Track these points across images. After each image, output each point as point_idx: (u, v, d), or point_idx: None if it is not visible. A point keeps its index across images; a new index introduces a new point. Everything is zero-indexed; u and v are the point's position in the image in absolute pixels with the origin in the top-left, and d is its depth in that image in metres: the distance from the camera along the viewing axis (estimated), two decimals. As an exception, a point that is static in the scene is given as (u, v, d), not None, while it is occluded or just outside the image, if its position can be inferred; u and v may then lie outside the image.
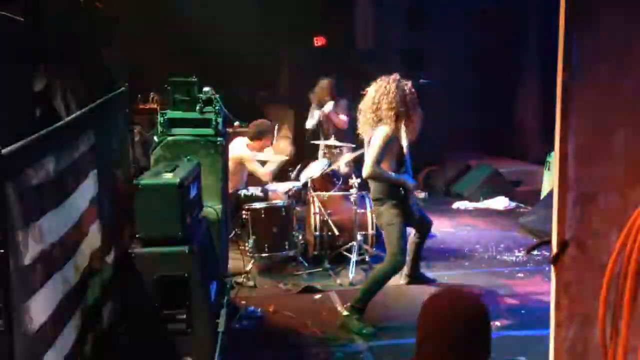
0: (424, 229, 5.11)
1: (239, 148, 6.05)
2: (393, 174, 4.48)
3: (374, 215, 4.91)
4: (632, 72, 2.11)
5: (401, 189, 4.49)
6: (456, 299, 1.86)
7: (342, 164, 6.22)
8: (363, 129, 4.62)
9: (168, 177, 3.19)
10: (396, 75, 4.57)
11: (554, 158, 2.29)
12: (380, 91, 4.48)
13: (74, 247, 2.65)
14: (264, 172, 6.04)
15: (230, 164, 5.86)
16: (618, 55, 2.13)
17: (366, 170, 4.40)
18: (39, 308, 2.20)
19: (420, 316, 1.84)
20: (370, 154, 4.40)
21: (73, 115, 2.92)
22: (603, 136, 2.17)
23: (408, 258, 5.19)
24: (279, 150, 6.42)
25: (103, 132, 3.15)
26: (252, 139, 6.11)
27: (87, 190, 2.85)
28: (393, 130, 4.41)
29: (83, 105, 3.25)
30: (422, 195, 8.43)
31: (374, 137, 4.44)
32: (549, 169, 7.62)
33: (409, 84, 4.58)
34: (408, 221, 4.62)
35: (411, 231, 5.10)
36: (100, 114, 3.22)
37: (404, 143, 4.52)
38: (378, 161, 4.37)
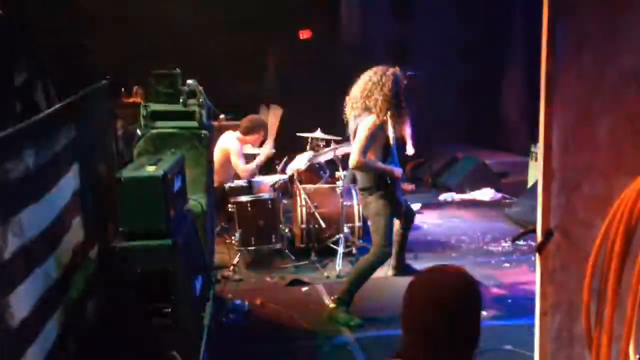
0: (407, 220, 5.12)
1: (228, 140, 6.02)
2: (380, 163, 4.46)
3: (361, 205, 4.89)
4: (615, 62, 2.12)
5: (389, 178, 4.48)
6: (442, 276, 1.76)
7: (324, 157, 6.20)
8: (349, 114, 4.59)
9: (151, 170, 3.15)
10: (396, 69, 4.53)
11: (539, 148, 2.29)
12: (374, 80, 4.42)
13: (56, 241, 2.61)
14: (243, 169, 5.97)
15: (218, 156, 5.83)
16: (601, 46, 2.13)
17: (353, 160, 4.37)
18: (20, 303, 2.16)
19: (406, 296, 1.74)
20: (356, 143, 4.37)
21: (53, 108, 2.87)
22: (587, 125, 2.18)
23: (393, 249, 5.20)
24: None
25: (85, 126, 3.11)
26: (244, 133, 6.07)
27: (68, 184, 2.81)
28: (380, 120, 4.39)
29: (64, 99, 3.20)
30: (410, 187, 8.44)
31: (361, 126, 4.41)
32: (535, 160, 7.66)
33: (405, 81, 4.55)
34: (395, 212, 4.61)
35: (395, 222, 5.12)
36: (81, 107, 3.17)
37: (391, 134, 4.50)
38: (365, 150, 4.34)
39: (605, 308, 1.71)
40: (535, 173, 7.64)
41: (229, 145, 5.96)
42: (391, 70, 4.48)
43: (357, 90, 4.50)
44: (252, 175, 6.06)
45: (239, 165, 5.95)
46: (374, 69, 4.51)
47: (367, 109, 4.41)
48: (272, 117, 6.42)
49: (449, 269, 1.79)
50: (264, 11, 8.78)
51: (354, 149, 4.39)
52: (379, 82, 4.40)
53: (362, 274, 4.48)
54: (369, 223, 4.67)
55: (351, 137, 4.61)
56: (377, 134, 4.39)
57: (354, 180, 5.65)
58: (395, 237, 5.14)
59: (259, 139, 6.19)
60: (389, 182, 4.48)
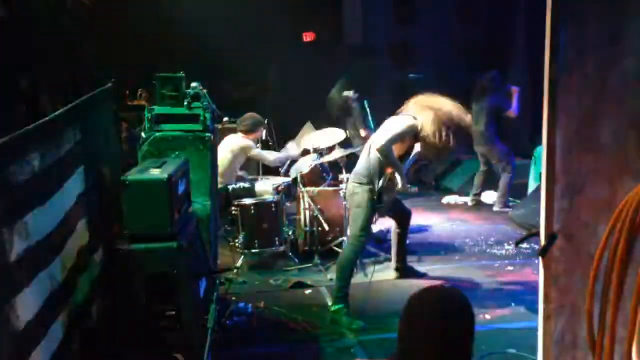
0: (403, 220, 5.18)
1: (238, 141, 6.08)
2: (398, 162, 4.57)
3: (346, 192, 4.92)
4: (618, 65, 2.12)
5: (381, 181, 4.51)
6: (442, 295, 1.86)
7: (332, 157, 6.23)
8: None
9: (156, 172, 3.16)
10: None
11: (542, 151, 2.30)
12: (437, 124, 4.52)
13: (61, 244, 2.62)
14: (273, 159, 6.18)
15: (225, 157, 5.85)
16: (604, 50, 2.13)
17: (379, 144, 4.44)
18: (25, 306, 2.18)
19: (403, 313, 1.83)
20: (389, 132, 4.49)
21: (58, 111, 2.88)
22: (590, 128, 2.18)
23: (393, 251, 5.24)
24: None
25: (89, 129, 3.12)
26: (245, 132, 6.13)
27: (73, 186, 2.82)
28: (418, 129, 4.53)
29: (69, 102, 3.21)
30: (412, 190, 8.41)
31: (399, 119, 4.59)
32: (535, 163, 7.65)
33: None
34: (374, 210, 4.68)
35: (392, 222, 5.24)
36: (86, 110, 3.19)
37: (416, 148, 4.67)
38: (393, 140, 4.47)
39: (608, 311, 1.72)
40: (534, 176, 7.64)
41: (242, 144, 6.02)
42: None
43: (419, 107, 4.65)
44: (283, 163, 6.22)
45: (266, 156, 6.18)
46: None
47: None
48: (306, 131, 6.66)
49: (445, 287, 1.98)
50: (267, 13, 8.80)
51: (384, 135, 4.49)
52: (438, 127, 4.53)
53: (345, 267, 4.54)
54: (350, 212, 4.73)
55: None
56: (408, 135, 4.55)
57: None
58: (393, 238, 5.21)
59: (258, 136, 6.26)
60: (382, 185, 4.51)
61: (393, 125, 4.55)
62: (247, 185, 6.02)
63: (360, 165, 4.63)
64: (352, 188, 4.64)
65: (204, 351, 3.28)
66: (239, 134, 6.15)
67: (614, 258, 1.69)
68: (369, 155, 4.57)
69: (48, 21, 3.80)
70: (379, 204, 4.57)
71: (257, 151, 6.13)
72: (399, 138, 4.51)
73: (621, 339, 1.68)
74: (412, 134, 4.57)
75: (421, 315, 1.80)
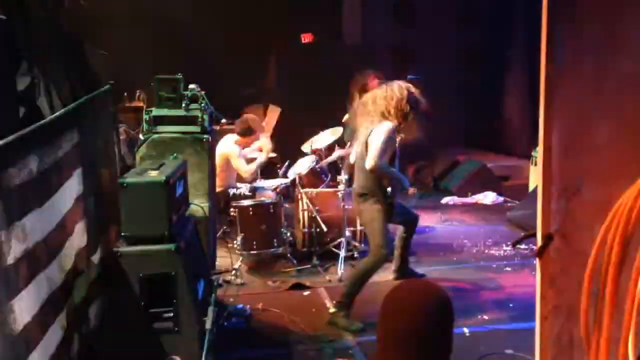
0: (410, 224, 5.13)
1: (227, 144, 6.04)
2: (394, 170, 4.52)
3: (355, 210, 4.90)
4: (615, 67, 2.12)
5: (388, 188, 4.48)
6: (417, 292, 1.77)
7: (332, 159, 6.23)
8: (360, 122, 4.61)
9: (153, 175, 3.17)
10: (408, 84, 4.61)
11: (539, 152, 2.30)
12: (390, 94, 4.47)
13: (59, 246, 2.63)
14: (245, 170, 6.03)
15: (219, 161, 5.85)
16: (600, 51, 2.14)
17: (370, 163, 4.35)
18: (23, 308, 2.18)
19: (380, 310, 1.75)
20: (374, 147, 4.37)
21: (56, 114, 2.89)
22: (587, 130, 2.18)
23: (396, 253, 5.22)
24: (260, 145, 6.42)
25: (87, 131, 3.13)
26: (240, 135, 6.11)
27: (71, 189, 2.83)
28: (396, 126, 4.45)
29: (67, 104, 3.22)
30: (411, 190, 8.42)
31: (378, 130, 4.41)
32: (534, 164, 7.66)
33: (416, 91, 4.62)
34: (389, 218, 4.62)
35: (398, 227, 5.14)
36: (84, 112, 3.20)
37: (397, 141, 4.56)
38: (382, 154, 4.36)
39: (604, 312, 1.72)
40: (535, 178, 7.64)
41: (228, 149, 5.97)
42: (406, 84, 4.58)
43: (372, 98, 4.55)
44: (255, 175, 6.11)
45: (241, 167, 5.99)
46: (389, 83, 4.59)
47: (384, 117, 4.46)
48: (270, 116, 6.48)
49: (419, 283, 1.91)
50: (265, 14, 8.80)
51: (371, 152, 4.37)
52: (394, 94, 4.47)
53: (361, 277, 4.49)
54: (365, 230, 4.69)
55: (358, 143, 4.61)
56: (392, 139, 4.44)
57: (349, 184, 5.68)
58: (398, 242, 5.17)
59: (254, 139, 6.22)
60: (388, 192, 4.48)
61: (376, 139, 4.40)
62: (248, 193, 5.99)
63: (359, 181, 4.57)
64: (358, 206, 4.59)
65: (202, 353, 3.28)
66: (235, 136, 6.14)
67: (608, 259, 1.70)
68: (364, 171, 4.47)
69: (46, 22, 3.80)
70: (390, 210, 4.52)
71: (235, 162, 5.96)
72: (385, 147, 4.38)
73: (617, 339, 1.69)
74: (393, 136, 4.47)
75: (393, 312, 1.72)
